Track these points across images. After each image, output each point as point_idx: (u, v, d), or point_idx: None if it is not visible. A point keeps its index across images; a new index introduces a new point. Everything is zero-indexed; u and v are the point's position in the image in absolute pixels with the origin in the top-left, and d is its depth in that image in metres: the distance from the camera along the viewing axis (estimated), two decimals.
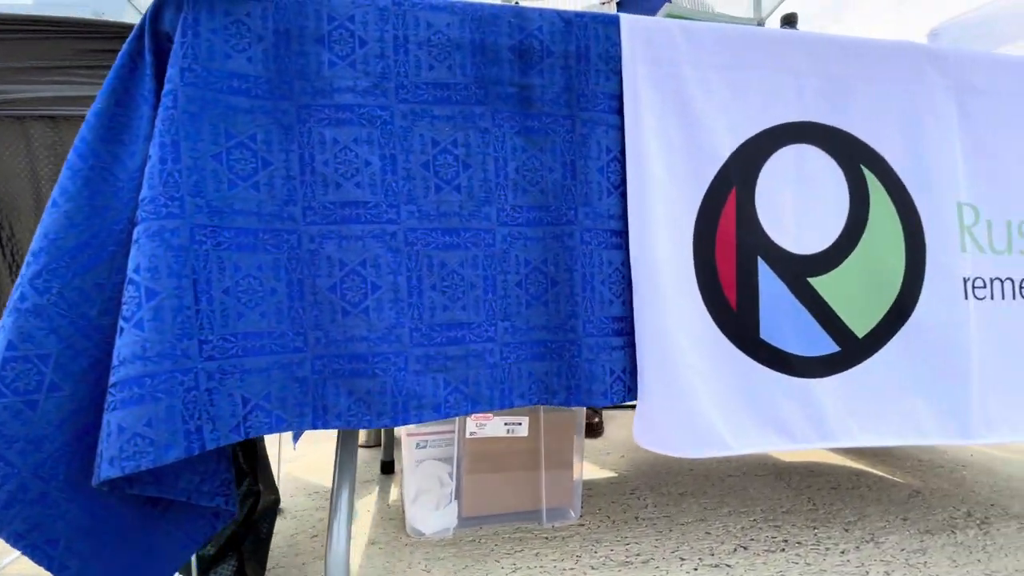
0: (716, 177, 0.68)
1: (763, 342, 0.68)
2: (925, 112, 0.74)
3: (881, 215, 0.72)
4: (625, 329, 0.67)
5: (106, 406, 0.49)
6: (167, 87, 0.54)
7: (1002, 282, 0.75)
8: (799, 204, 0.70)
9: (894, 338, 0.71)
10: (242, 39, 0.58)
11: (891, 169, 0.72)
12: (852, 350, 0.71)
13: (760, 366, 0.68)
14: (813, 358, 0.70)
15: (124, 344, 0.49)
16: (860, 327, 0.71)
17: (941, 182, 0.73)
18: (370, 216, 0.61)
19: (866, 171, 0.72)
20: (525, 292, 0.64)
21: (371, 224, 0.61)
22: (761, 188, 0.69)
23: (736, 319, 0.68)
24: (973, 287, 0.73)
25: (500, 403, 0.63)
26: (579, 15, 0.66)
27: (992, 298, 0.74)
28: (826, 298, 0.71)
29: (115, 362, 0.49)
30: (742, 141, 0.69)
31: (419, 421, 0.61)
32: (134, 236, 0.52)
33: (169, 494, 0.58)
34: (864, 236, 0.72)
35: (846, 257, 0.71)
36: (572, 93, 0.66)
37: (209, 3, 0.57)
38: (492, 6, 0.64)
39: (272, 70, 0.59)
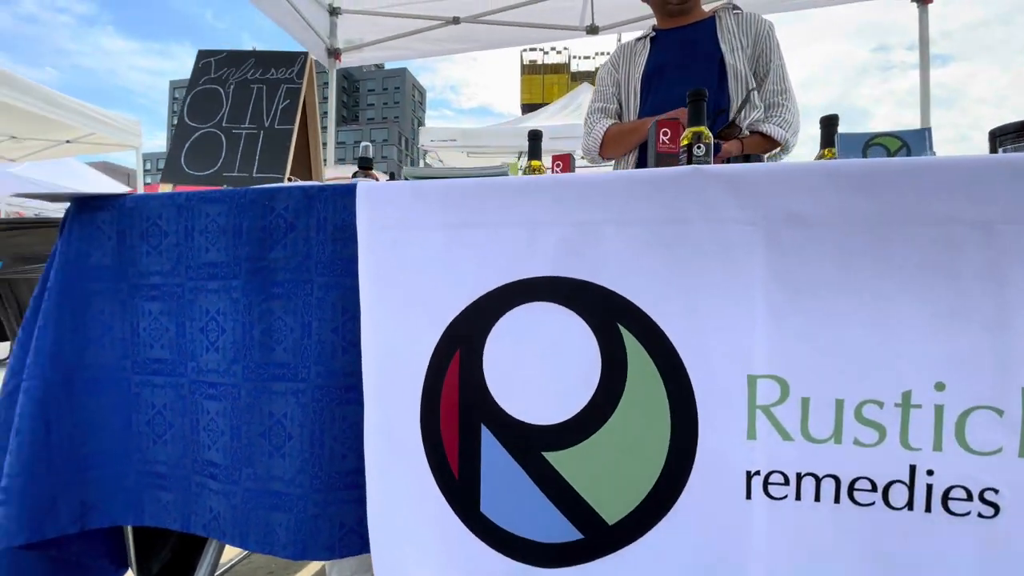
0: (441, 338, 0.66)
1: (484, 517, 0.63)
2: (707, 255, 0.57)
3: (641, 383, 0.59)
4: (360, 482, 0.70)
5: None
6: (48, 284, 0.80)
7: (818, 480, 0.53)
8: (535, 368, 0.63)
9: (652, 530, 0.57)
10: (97, 241, 0.81)
11: (657, 328, 0.58)
12: (599, 539, 0.59)
13: (481, 543, 0.63)
14: (546, 544, 0.61)
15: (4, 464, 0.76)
16: (611, 513, 0.59)
17: (723, 347, 0.56)
18: (168, 370, 0.78)
19: (623, 330, 0.60)
20: (268, 443, 0.73)
21: (169, 376, 0.78)
22: (490, 351, 0.64)
23: (458, 488, 0.64)
24: (765, 484, 0.54)
25: (242, 543, 0.73)
26: (322, 189, 0.73)
27: (799, 499, 0.53)
28: (566, 477, 0.61)
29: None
30: (470, 301, 0.65)
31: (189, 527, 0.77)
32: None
33: (66, 555, 0.85)
34: (619, 407, 0.60)
35: (595, 431, 0.61)
36: (312, 260, 0.72)
37: (79, 213, 0.82)
38: (253, 191, 0.75)
39: (115, 261, 0.81)
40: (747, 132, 1.52)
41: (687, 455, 0.57)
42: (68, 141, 5.19)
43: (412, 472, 0.67)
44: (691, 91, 0.94)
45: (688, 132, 0.93)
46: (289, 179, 0.87)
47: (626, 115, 1.69)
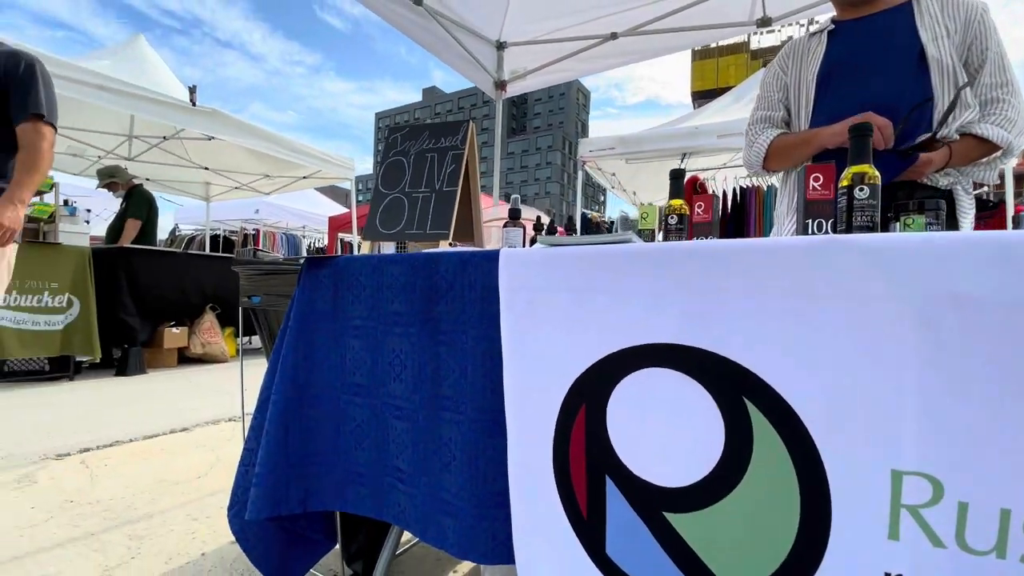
0: (569, 392, 0.72)
1: (609, 559, 0.68)
2: (847, 334, 0.52)
3: (768, 462, 0.57)
4: (508, 502, 0.82)
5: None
6: (289, 323, 1.10)
7: None
8: (657, 432, 0.65)
9: None
10: (320, 290, 1.08)
11: (788, 407, 0.56)
12: None
13: None
14: None
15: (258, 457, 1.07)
16: None
17: (864, 435, 0.51)
18: (365, 392, 1.01)
19: (749, 405, 0.58)
20: (438, 460, 0.89)
21: (366, 398, 1.00)
22: (613, 409, 0.68)
23: (587, 527, 0.70)
24: None
25: (422, 535, 0.90)
26: (473, 255, 0.86)
27: None
28: (687, 539, 0.62)
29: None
30: (594, 361, 0.70)
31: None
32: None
33: (295, 528, 1.15)
34: (742, 483, 0.59)
35: (717, 500, 0.60)
36: (466, 314, 0.86)
37: (309, 269, 1.10)
38: (423, 257, 0.93)
39: (332, 307, 1.07)
40: (956, 136, 1.25)
41: (816, 544, 0.54)
42: (304, 177, 6.59)
43: (547, 504, 0.75)
44: (854, 125, 0.85)
45: (848, 172, 0.84)
46: (451, 244, 1.03)
47: (796, 123, 1.50)
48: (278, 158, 5.32)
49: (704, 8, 2.90)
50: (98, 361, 4.09)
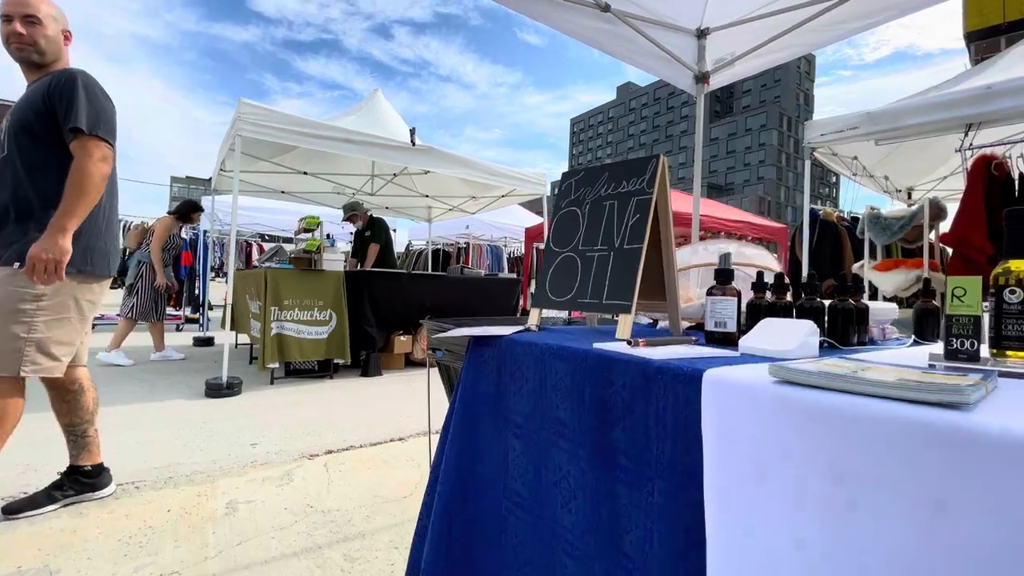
0: None
1: None
2: None
3: None
4: None
5: None
6: (455, 404, 1.01)
7: None
8: None
9: None
10: (484, 372, 0.97)
11: None
12: None
13: None
14: None
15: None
16: None
17: None
18: (528, 507, 0.85)
19: None
20: None
21: (529, 515, 0.85)
22: None
23: None
24: None
25: None
26: (660, 371, 0.61)
27: None
28: None
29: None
30: None
31: None
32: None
33: None
34: None
35: None
36: (651, 456, 0.62)
37: (475, 346, 0.99)
38: (593, 357, 0.72)
39: (495, 391, 0.94)
40: None
41: None
42: (503, 195, 7.01)
43: None
44: (1008, 209, 0.37)
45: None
46: (633, 339, 0.80)
47: None
48: (479, 181, 5.77)
49: None
50: (348, 363, 4.98)
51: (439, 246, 11.98)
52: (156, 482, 2.35)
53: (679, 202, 7.37)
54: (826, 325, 0.92)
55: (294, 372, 4.89)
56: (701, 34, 3.13)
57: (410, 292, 5.53)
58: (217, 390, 3.99)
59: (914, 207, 3.85)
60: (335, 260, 4.97)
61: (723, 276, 0.88)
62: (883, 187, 6.18)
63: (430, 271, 10.85)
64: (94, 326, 8.23)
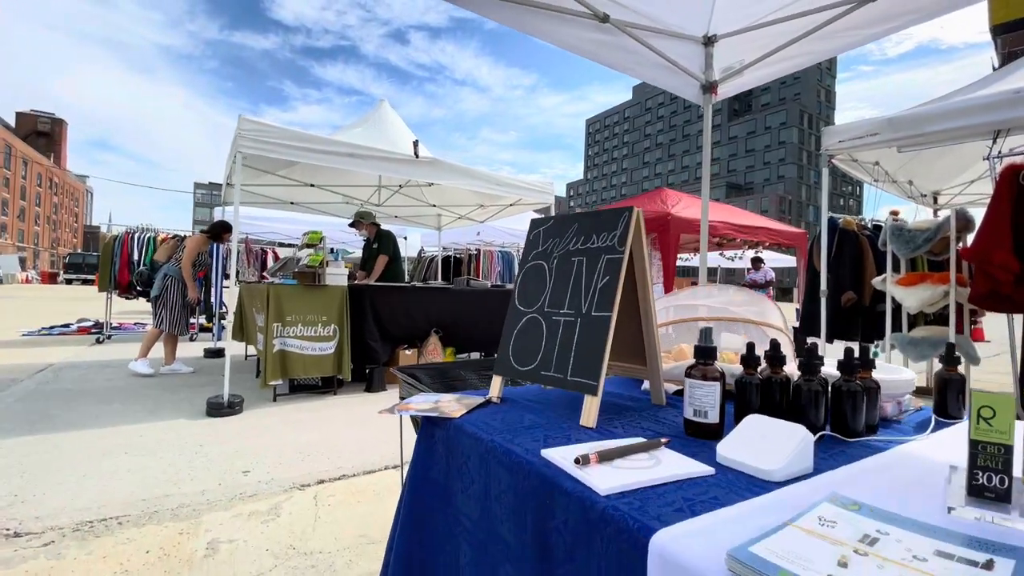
0: None
1: None
2: None
3: None
4: None
5: None
6: (406, 490, 0.90)
7: None
8: None
9: None
10: (434, 457, 0.86)
11: None
12: None
13: None
14: None
15: None
16: None
17: None
18: None
19: None
20: None
21: None
22: None
23: None
24: None
25: None
26: (604, 520, 0.49)
27: None
28: None
29: None
30: None
31: None
32: None
33: None
34: None
35: None
36: None
37: (426, 424, 0.88)
38: (536, 475, 0.60)
39: (444, 480, 0.83)
40: None
41: None
42: (511, 204, 6.91)
43: None
44: None
45: None
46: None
47: None
48: (484, 192, 5.68)
49: None
50: (349, 380, 4.92)
51: (450, 252, 11.94)
52: (140, 517, 2.29)
53: (692, 208, 7.17)
54: (829, 409, 0.79)
55: (298, 388, 4.85)
56: (708, 41, 2.98)
57: (415, 305, 5.46)
58: (218, 409, 3.96)
59: (940, 218, 3.62)
60: (339, 275, 4.92)
61: (704, 355, 0.76)
62: (907, 192, 5.90)
63: (440, 278, 10.80)
64: (109, 336, 8.37)
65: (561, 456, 0.62)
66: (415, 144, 5.14)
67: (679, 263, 8.88)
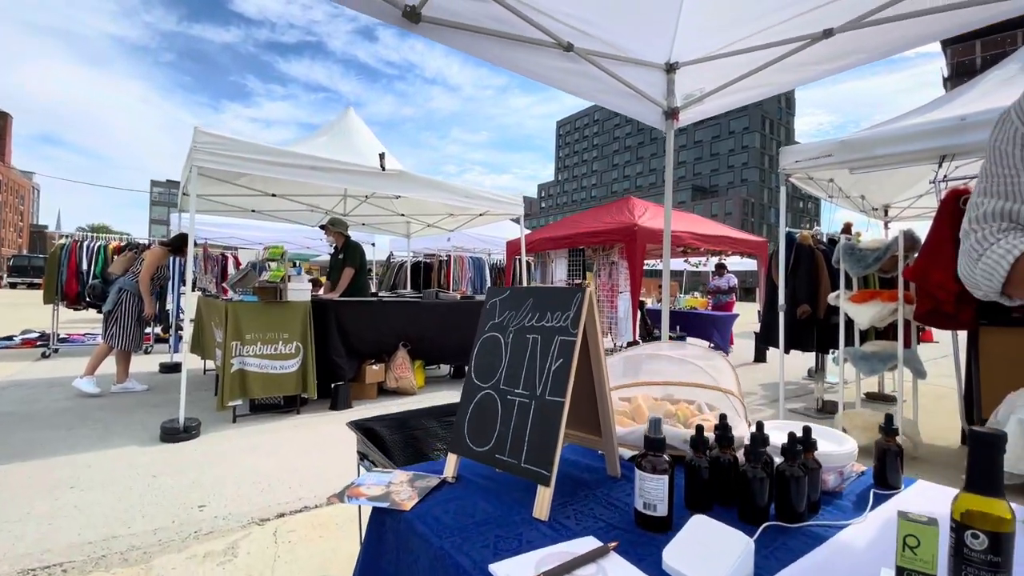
0: None
1: None
2: None
3: None
4: None
5: None
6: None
7: None
8: None
9: None
10: (384, 547, 0.83)
11: None
12: None
13: None
14: None
15: None
16: None
17: None
18: None
19: None
20: None
21: None
22: None
23: None
24: None
25: None
26: None
27: None
28: None
29: None
30: None
31: None
32: None
33: None
34: None
35: None
36: None
37: (375, 519, 0.86)
38: None
39: (395, 572, 0.81)
40: None
41: None
42: (480, 214, 6.89)
43: None
44: (974, 431, 0.41)
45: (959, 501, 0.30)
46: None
47: None
48: (451, 205, 5.65)
49: None
50: (315, 398, 4.80)
51: (420, 258, 11.81)
52: (86, 563, 2.17)
53: (658, 219, 7.31)
54: (774, 492, 0.81)
55: (259, 407, 4.70)
56: (670, 68, 3.04)
57: (382, 319, 5.37)
58: (173, 434, 3.79)
59: (889, 239, 3.80)
60: (301, 290, 4.80)
61: (653, 446, 0.77)
62: (859, 206, 6.18)
63: (410, 284, 10.68)
64: (56, 349, 7.91)
65: (507, 574, 0.62)
66: (381, 156, 5.06)
67: (646, 266, 9.06)
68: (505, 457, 0.85)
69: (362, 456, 1.35)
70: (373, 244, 11.52)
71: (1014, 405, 3.05)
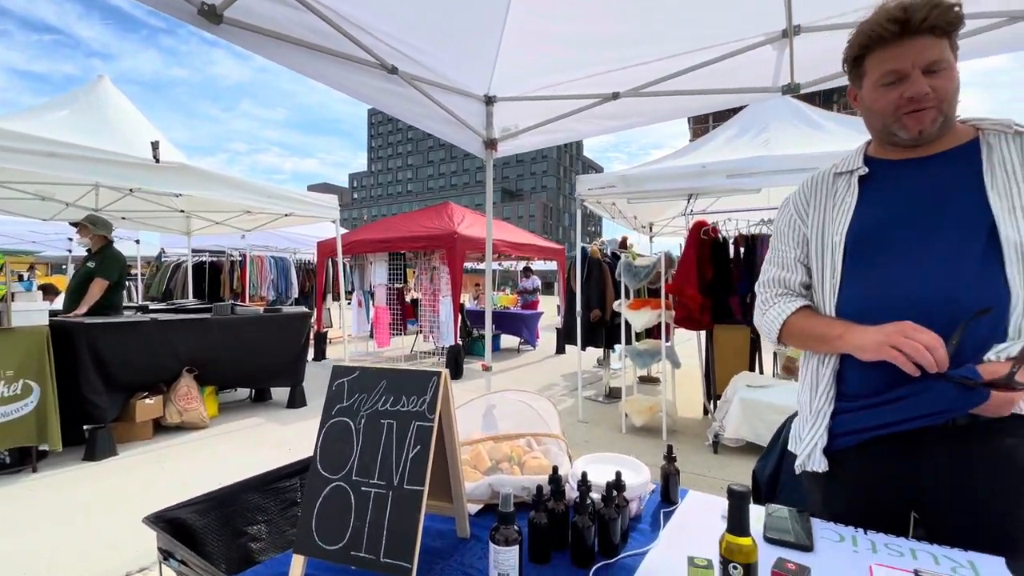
0: None
1: None
2: None
3: None
4: None
5: None
6: None
7: None
8: None
9: None
10: None
11: None
12: None
13: None
14: None
15: None
16: None
17: None
18: None
19: None
20: None
21: None
22: None
23: None
24: None
25: None
26: None
27: None
28: None
29: None
30: None
31: None
32: None
33: None
34: None
35: None
36: None
37: None
38: None
39: None
40: None
41: None
42: (286, 215, 6.23)
43: None
44: (733, 490, 0.59)
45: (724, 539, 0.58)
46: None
47: (818, 294, 1.13)
48: (250, 204, 5.01)
49: (721, 69, 2.54)
50: (60, 450, 3.75)
51: (204, 258, 10.06)
52: None
53: (476, 227, 7.67)
54: (598, 534, 0.98)
55: None
56: (489, 101, 3.22)
57: (157, 342, 4.45)
58: None
59: (655, 258, 4.71)
60: (32, 312, 3.68)
61: (505, 520, 0.85)
62: (633, 224, 7.50)
63: (192, 292, 9.06)
64: None
65: None
66: (155, 145, 4.18)
67: (465, 264, 9.43)
68: (362, 554, 0.83)
69: (166, 555, 1.14)
70: (137, 241, 9.44)
71: (737, 385, 4.11)
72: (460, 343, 7.47)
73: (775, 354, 5.12)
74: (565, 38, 2.63)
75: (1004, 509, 0.96)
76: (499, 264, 13.02)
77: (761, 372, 4.95)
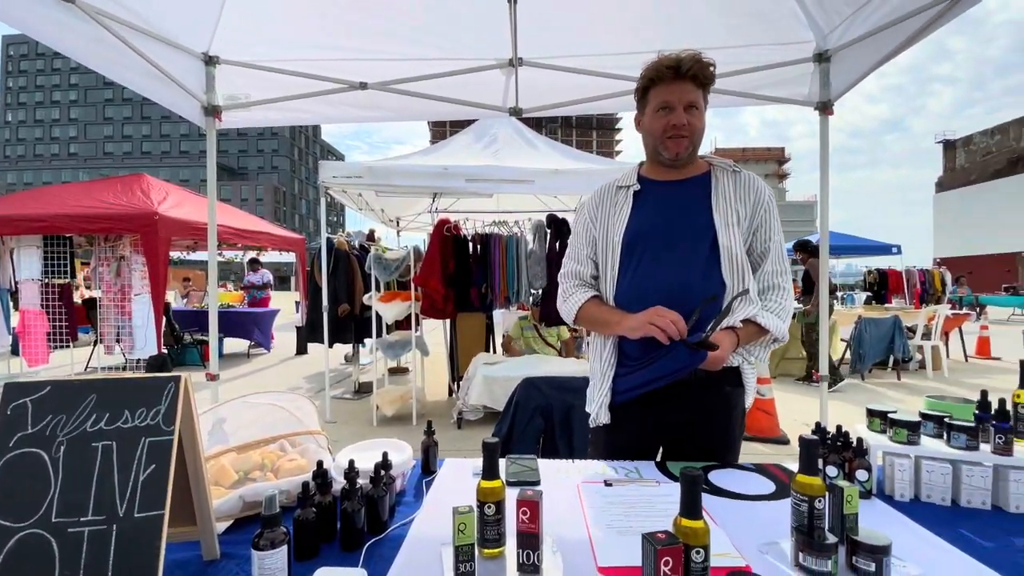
0: None
1: None
2: None
3: None
4: None
5: None
6: None
7: None
8: None
9: None
10: None
11: None
12: None
13: None
14: None
15: None
16: None
17: None
18: None
19: None
20: None
21: None
22: None
23: None
24: None
25: None
26: None
27: None
28: None
29: None
30: None
31: None
32: None
33: None
34: None
35: None
36: None
37: None
38: None
39: None
40: (739, 323, 1.31)
41: None
42: None
43: None
44: (683, 469, 0.81)
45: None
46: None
47: (603, 283, 1.44)
48: None
49: (462, 81, 2.80)
50: None
51: None
52: None
53: (187, 207, 6.36)
54: (366, 515, 1.01)
55: None
56: (210, 60, 2.75)
57: None
58: None
59: (404, 252, 4.85)
60: None
61: (269, 523, 0.80)
62: (380, 218, 7.49)
63: None
64: None
65: None
66: None
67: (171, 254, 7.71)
68: None
69: None
70: None
71: (478, 363, 4.61)
72: (166, 351, 6.13)
73: (504, 336, 5.93)
74: (304, 10, 2.47)
75: (721, 433, 1.40)
76: (221, 255, 11.10)
77: (494, 352, 5.67)
